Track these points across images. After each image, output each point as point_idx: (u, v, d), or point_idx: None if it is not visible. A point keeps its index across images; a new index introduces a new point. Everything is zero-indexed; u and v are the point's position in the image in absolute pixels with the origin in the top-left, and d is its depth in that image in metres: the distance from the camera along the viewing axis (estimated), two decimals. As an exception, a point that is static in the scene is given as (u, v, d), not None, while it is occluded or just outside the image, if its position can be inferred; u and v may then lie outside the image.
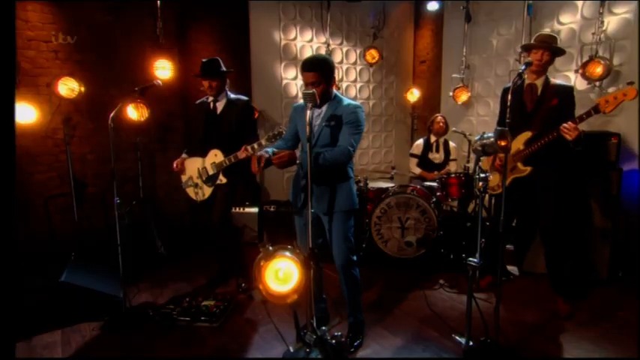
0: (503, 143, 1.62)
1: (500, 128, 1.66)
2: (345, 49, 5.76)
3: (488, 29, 5.20)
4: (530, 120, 2.97)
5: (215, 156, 3.34)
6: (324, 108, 2.47)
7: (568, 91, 2.93)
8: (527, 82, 3.02)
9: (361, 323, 2.71)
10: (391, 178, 4.62)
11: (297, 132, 2.61)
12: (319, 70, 2.34)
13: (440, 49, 5.96)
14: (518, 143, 2.99)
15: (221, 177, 3.35)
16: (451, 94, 5.38)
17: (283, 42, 5.34)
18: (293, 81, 5.45)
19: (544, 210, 3.00)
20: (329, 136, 2.43)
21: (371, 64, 5.75)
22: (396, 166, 6.47)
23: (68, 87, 3.90)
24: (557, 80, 3.04)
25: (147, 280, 3.73)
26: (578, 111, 4.31)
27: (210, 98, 3.42)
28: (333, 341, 2.31)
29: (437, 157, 4.91)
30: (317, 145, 2.44)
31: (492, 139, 1.62)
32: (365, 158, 6.28)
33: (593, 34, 4.07)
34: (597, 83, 4.10)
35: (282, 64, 5.36)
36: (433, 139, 4.89)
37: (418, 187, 4.34)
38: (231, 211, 3.67)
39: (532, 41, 3.04)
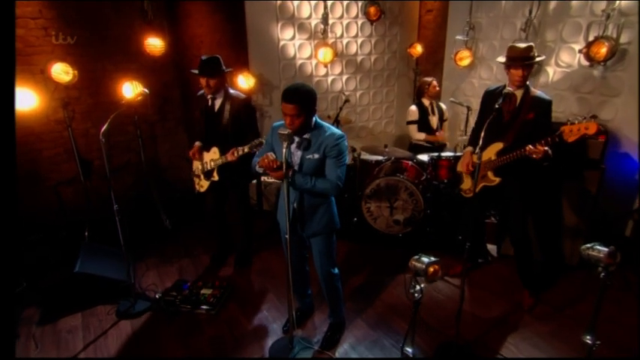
0: (433, 269, 1.73)
1: (433, 259, 1.76)
2: (345, 3, 5.45)
3: (497, -14, 4.86)
4: (505, 131, 2.98)
5: (214, 153, 3.47)
6: (304, 137, 2.45)
7: (545, 106, 2.90)
8: (506, 90, 2.97)
9: (341, 324, 3.06)
10: (385, 158, 4.61)
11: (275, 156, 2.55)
12: (299, 102, 2.28)
13: (448, -4, 5.61)
14: (491, 153, 3.04)
15: (214, 174, 3.50)
16: (452, 56, 5.20)
17: (279, 0, 5.08)
18: (290, 42, 5.29)
19: (513, 221, 3.15)
20: (311, 166, 2.45)
21: (372, 21, 5.50)
22: (396, 120, 6.51)
23: (62, 70, 3.93)
24: (537, 91, 2.97)
25: (154, 255, 4.13)
26: (574, 80, 4.17)
27: (210, 95, 3.42)
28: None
29: (434, 119, 4.94)
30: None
31: (424, 266, 1.73)
32: (365, 114, 6.27)
33: (603, 11, 3.82)
34: (602, 64, 3.95)
35: (279, 25, 5.16)
36: (427, 102, 4.87)
37: (410, 163, 4.45)
38: (248, 202, 3.85)
39: (507, 55, 2.93)
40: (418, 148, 4.94)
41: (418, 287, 1.72)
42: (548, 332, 3.05)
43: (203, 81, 3.31)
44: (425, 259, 1.77)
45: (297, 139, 2.46)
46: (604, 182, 3.53)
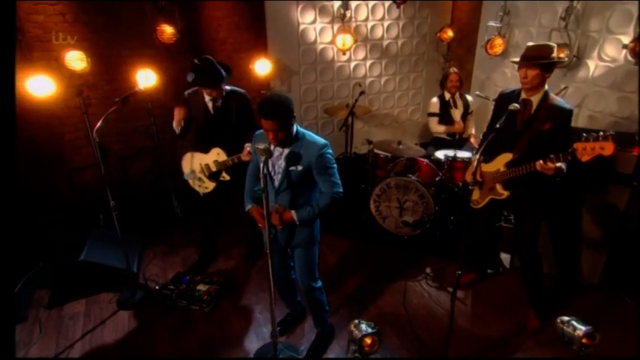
0: (370, 341, 1.52)
1: (371, 330, 1.49)
2: (371, -16, 5.13)
3: (538, -33, 4.36)
4: (516, 141, 2.70)
5: (217, 154, 3.36)
6: (286, 148, 2.38)
7: (564, 116, 2.57)
8: (522, 95, 2.68)
9: (329, 334, 2.99)
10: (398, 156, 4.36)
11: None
12: (278, 118, 2.22)
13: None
14: (499, 164, 2.78)
15: (224, 174, 3.41)
16: (482, 44, 4.79)
17: (299, -19, 4.84)
18: (311, 25, 5.06)
19: (522, 237, 2.90)
20: (295, 177, 2.38)
21: (400, 3, 5.13)
22: (423, 108, 6.17)
23: (77, 58, 3.97)
24: (558, 98, 2.63)
25: (162, 243, 4.22)
26: (617, 76, 3.87)
27: (207, 97, 3.30)
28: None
29: (457, 112, 4.67)
30: (281, 188, 2.44)
31: (360, 335, 1.52)
32: (390, 101, 5.99)
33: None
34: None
35: (299, 7, 4.94)
36: (447, 96, 4.62)
37: (425, 162, 4.21)
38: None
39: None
40: (440, 141, 4.70)
41: (358, 355, 1.53)
42: (548, 362, 2.85)
43: (207, 90, 3.21)
44: (363, 327, 1.54)
45: (278, 150, 2.41)
46: (635, 198, 3.16)
